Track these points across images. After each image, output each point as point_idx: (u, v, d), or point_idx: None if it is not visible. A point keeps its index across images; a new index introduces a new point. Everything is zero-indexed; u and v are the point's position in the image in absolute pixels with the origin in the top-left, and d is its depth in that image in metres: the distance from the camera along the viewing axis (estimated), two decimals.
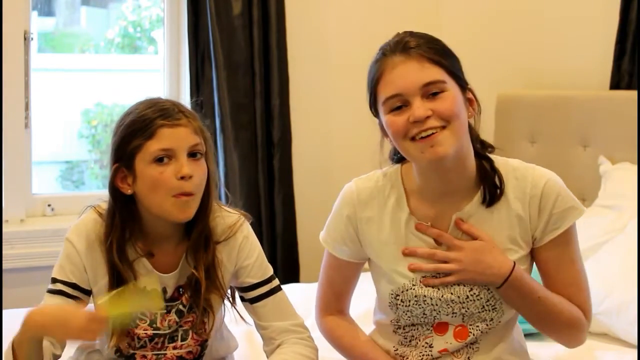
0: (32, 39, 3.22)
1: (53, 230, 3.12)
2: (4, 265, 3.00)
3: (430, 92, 1.66)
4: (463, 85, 1.72)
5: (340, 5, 3.67)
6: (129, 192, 1.74)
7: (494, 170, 1.76)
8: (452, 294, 1.75)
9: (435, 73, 1.66)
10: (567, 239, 1.77)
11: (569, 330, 1.79)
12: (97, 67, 4.01)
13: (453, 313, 1.76)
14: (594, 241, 2.73)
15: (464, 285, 1.74)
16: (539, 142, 3.31)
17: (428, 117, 1.64)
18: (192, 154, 1.73)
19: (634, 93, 2.96)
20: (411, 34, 1.72)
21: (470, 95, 1.74)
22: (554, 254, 1.77)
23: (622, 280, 2.49)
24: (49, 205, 3.32)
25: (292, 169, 3.52)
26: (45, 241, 3.12)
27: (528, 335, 2.12)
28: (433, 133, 1.64)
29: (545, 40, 3.48)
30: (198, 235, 1.79)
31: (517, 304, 1.76)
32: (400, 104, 1.67)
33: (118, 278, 1.77)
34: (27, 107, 3.22)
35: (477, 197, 1.76)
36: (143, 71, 3.97)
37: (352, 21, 3.69)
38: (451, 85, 1.68)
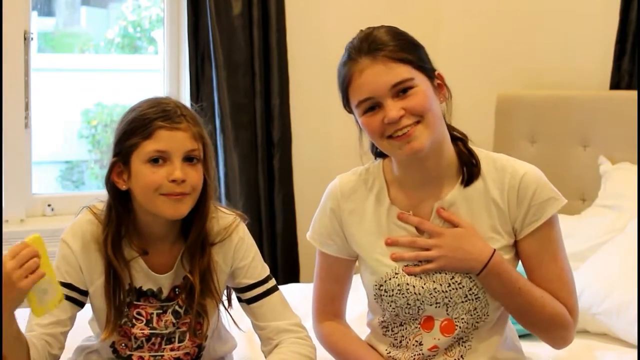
0: (32, 39, 3.22)
1: (53, 230, 3.09)
2: None
3: (400, 90, 1.68)
4: (431, 75, 1.74)
5: (340, 5, 3.67)
6: (124, 187, 1.75)
7: (468, 150, 1.79)
8: (434, 282, 1.76)
9: (402, 72, 1.68)
10: (548, 231, 1.77)
11: (554, 326, 1.78)
12: (97, 67, 4.01)
13: (436, 303, 1.76)
14: (594, 241, 2.73)
15: (446, 273, 1.76)
16: (539, 142, 3.31)
17: (402, 116, 1.67)
18: (188, 159, 1.73)
19: (634, 93, 2.96)
20: (375, 30, 1.73)
21: (438, 81, 1.76)
22: (536, 247, 1.77)
23: (622, 280, 2.49)
24: (49, 205, 3.33)
25: (292, 169, 3.52)
26: (45, 241, 3.09)
27: (527, 336, 2.12)
28: (408, 130, 1.68)
29: (545, 40, 3.48)
30: (194, 239, 1.79)
31: (498, 293, 1.75)
32: (373, 105, 1.70)
33: (114, 277, 1.77)
34: (27, 107, 3.22)
35: (458, 184, 1.78)
36: (143, 71, 3.96)
37: (352, 21, 3.66)
38: (420, 80, 1.70)
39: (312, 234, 1.90)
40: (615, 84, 3.16)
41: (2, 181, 3.13)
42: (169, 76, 3.51)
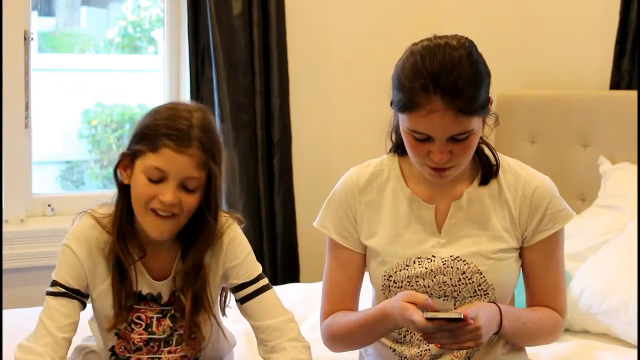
0: (32, 39, 3.22)
1: (53, 230, 3.12)
2: (4, 265, 3.00)
3: (456, 138, 1.66)
4: (488, 110, 1.72)
5: (340, 5, 3.67)
6: (126, 182, 1.75)
7: (489, 148, 1.81)
8: (444, 275, 1.76)
9: (468, 125, 1.65)
10: (556, 241, 1.80)
11: (551, 336, 1.85)
12: (97, 67, 4.01)
13: (445, 296, 1.77)
14: (594, 241, 2.73)
15: (457, 268, 1.76)
16: (539, 142, 3.31)
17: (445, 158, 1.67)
18: (186, 188, 1.70)
19: (634, 93, 2.96)
20: (459, 63, 1.64)
21: (489, 109, 1.74)
22: (543, 256, 1.80)
23: (622, 280, 2.49)
24: (49, 206, 3.32)
25: (292, 169, 3.52)
26: (45, 241, 3.12)
27: None
28: (444, 170, 1.69)
29: (545, 40, 3.48)
30: (191, 263, 1.78)
31: (510, 334, 1.77)
32: (425, 138, 1.67)
33: (121, 278, 1.77)
34: (27, 107, 3.22)
35: (474, 182, 1.80)
36: (143, 71, 3.96)
37: (352, 21, 3.69)
38: (477, 124, 1.68)
39: (323, 222, 1.86)
40: (615, 84, 3.16)
41: (2, 181, 3.13)
42: (169, 76, 3.51)
